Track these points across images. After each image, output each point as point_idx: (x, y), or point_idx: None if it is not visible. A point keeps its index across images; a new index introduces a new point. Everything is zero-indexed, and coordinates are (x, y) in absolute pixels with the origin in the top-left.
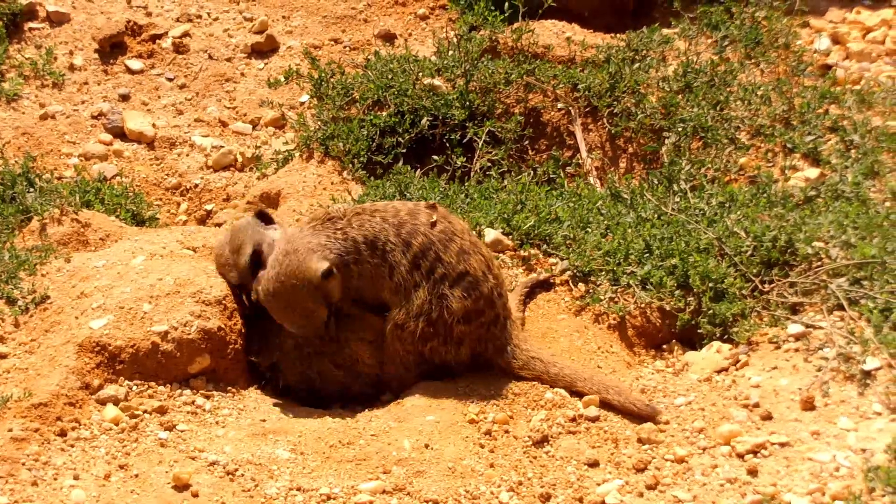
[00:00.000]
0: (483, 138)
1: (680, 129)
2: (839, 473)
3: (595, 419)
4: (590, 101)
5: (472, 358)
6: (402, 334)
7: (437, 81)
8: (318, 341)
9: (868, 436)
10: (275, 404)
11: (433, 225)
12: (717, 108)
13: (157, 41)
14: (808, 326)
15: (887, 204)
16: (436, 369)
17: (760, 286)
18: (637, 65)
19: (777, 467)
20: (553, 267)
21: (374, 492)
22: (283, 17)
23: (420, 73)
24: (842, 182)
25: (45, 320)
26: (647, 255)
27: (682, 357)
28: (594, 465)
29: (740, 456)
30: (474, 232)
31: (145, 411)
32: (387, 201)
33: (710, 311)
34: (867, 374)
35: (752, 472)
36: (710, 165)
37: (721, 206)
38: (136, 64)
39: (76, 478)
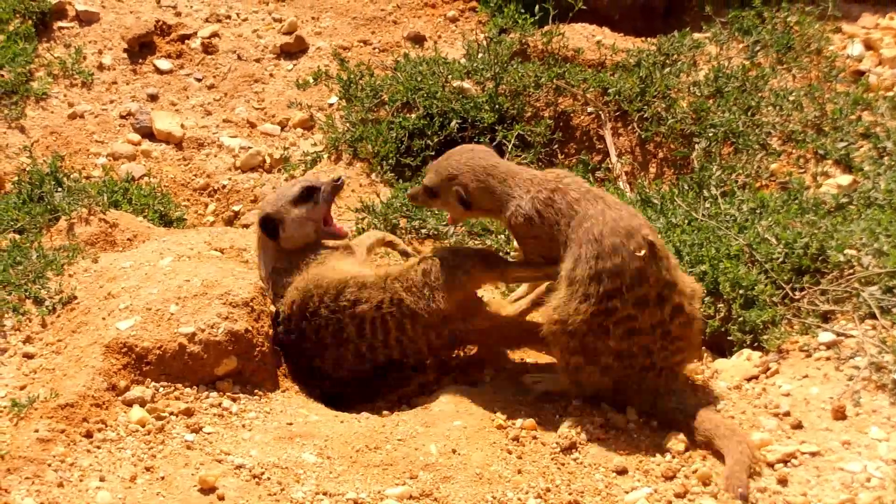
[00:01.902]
0: (512, 142)
1: (711, 135)
2: (870, 484)
3: (623, 431)
4: (620, 105)
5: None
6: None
7: (467, 84)
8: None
9: None
10: (301, 407)
11: (642, 259)
12: (749, 113)
13: (186, 41)
14: (839, 335)
15: None
16: None
17: (791, 294)
18: (668, 69)
19: (807, 477)
20: None
21: (401, 497)
22: (313, 17)
23: (449, 76)
24: (874, 189)
25: (72, 321)
26: (678, 260)
27: (712, 364)
28: (623, 472)
29: (770, 465)
30: (502, 237)
31: (171, 413)
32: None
33: (741, 319)
34: None
35: (783, 482)
36: (741, 171)
37: (752, 212)
38: (164, 64)
39: (102, 479)
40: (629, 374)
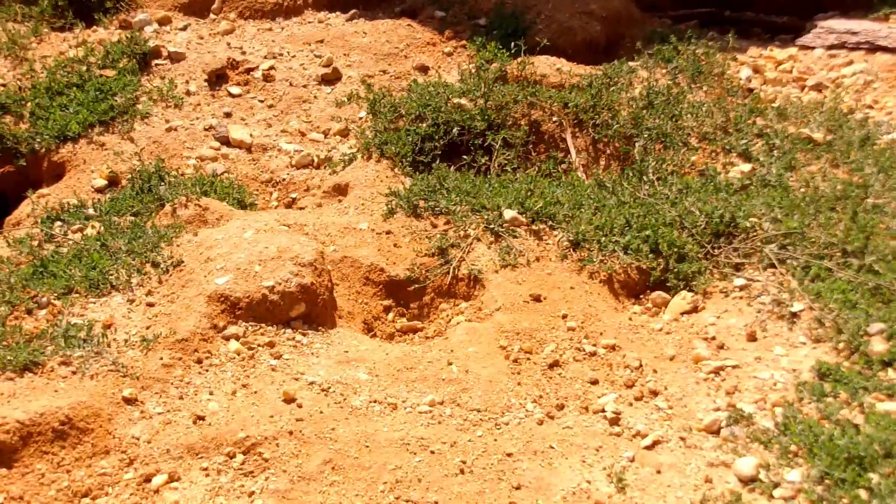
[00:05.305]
0: (499, 143)
1: (646, 136)
2: (776, 388)
3: (593, 353)
4: (577, 115)
5: None
6: None
7: (463, 101)
8: None
9: (796, 360)
10: (353, 340)
11: None
12: (673, 119)
13: (251, 73)
14: (749, 280)
15: (802, 189)
16: None
17: (712, 251)
18: (612, 88)
19: (732, 383)
20: (556, 236)
21: (431, 403)
22: (344, 54)
23: (449, 95)
24: (768, 174)
25: (181, 279)
26: (627, 228)
27: (658, 302)
28: (595, 382)
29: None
30: (496, 212)
31: (259, 345)
32: None
33: (675, 270)
34: (794, 315)
35: (715, 388)
36: (670, 162)
37: (680, 192)
38: (235, 90)
39: (211, 393)
40: None
